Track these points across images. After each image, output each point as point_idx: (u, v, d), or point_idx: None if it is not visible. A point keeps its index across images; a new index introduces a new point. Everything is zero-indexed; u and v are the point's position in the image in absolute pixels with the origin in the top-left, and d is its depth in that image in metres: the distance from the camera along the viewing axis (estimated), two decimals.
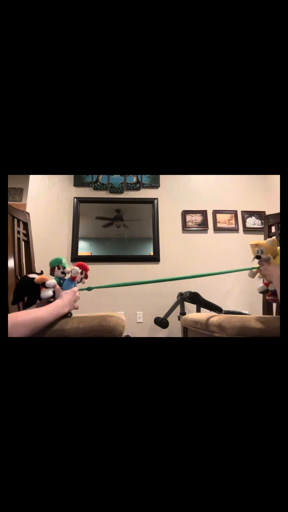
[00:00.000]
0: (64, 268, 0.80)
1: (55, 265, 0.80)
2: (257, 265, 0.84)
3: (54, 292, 0.76)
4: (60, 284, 0.79)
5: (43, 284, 0.77)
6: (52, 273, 0.81)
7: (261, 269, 0.84)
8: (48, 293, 0.74)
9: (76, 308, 0.78)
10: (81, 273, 0.82)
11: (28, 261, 1.15)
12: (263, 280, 0.87)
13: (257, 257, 0.83)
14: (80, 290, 0.83)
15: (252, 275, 0.87)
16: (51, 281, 0.76)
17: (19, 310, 0.83)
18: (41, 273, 0.82)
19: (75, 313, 0.80)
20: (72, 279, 0.79)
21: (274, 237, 0.81)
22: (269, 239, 0.81)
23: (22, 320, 0.59)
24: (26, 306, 0.77)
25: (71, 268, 0.81)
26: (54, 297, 0.76)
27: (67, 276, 0.81)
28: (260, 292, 0.91)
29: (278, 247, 0.82)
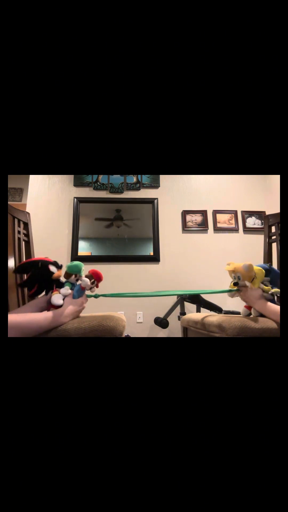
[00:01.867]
0: (80, 276, 0.78)
1: (74, 273, 0.77)
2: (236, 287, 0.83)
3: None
4: (70, 288, 0.77)
5: (56, 282, 0.75)
6: (66, 276, 0.78)
7: (240, 294, 0.83)
8: (59, 301, 0.72)
9: (79, 317, 0.76)
10: (93, 282, 0.80)
11: None
12: (245, 304, 0.86)
13: (235, 283, 0.82)
14: (87, 296, 0.81)
15: (232, 296, 0.86)
16: (67, 290, 0.74)
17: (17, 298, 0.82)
18: (61, 267, 0.79)
19: None
20: (82, 288, 0.77)
21: (250, 263, 0.79)
22: (245, 264, 0.79)
23: (15, 322, 0.57)
24: (33, 295, 0.75)
25: (84, 276, 0.79)
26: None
27: (78, 283, 0.78)
28: (244, 316, 0.90)
29: (256, 267, 0.80)
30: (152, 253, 2.38)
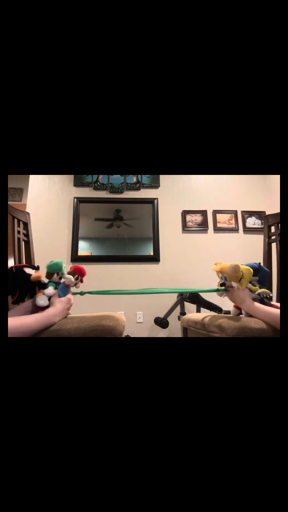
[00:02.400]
0: (62, 274, 0.77)
1: (55, 272, 0.76)
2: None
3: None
4: (54, 288, 0.76)
5: (38, 284, 0.74)
6: (48, 276, 0.77)
7: (228, 294, 0.82)
8: (45, 302, 0.71)
9: (69, 315, 0.76)
10: (77, 278, 0.79)
11: (28, 261, 1.15)
12: (234, 304, 0.85)
13: (222, 284, 0.81)
14: (73, 293, 0.80)
15: (220, 295, 0.85)
16: (50, 290, 0.74)
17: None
18: (37, 268, 0.78)
19: (74, 313, 0.80)
20: (66, 285, 0.76)
21: (237, 264, 0.77)
22: (232, 265, 0.77)
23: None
24: (16, 301, 0.74)
25: (66, 272, 0.78)
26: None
27: (62, 280, 0.78)
28: (235, 316, 0.89)
29: (244, 266, 0.79)
30: (152, 253, 2.38)
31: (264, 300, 0.78)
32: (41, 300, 0.71)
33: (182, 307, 2.03)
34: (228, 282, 0.80)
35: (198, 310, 1.96)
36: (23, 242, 1.11)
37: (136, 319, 2.24)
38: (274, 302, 0.80)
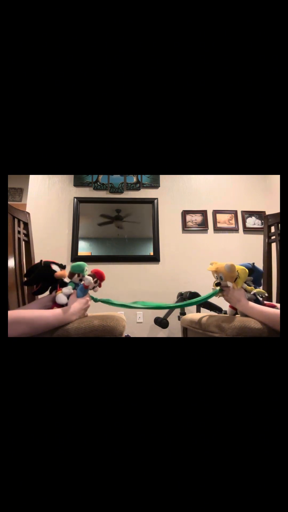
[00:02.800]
0: (83, 276, 0.79)
1: (77, 272, 0.79)
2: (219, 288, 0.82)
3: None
4: (73, 288, 0.78)
5: (60, 282, 0.77)
6: (70, 276, 0.80)
7: (224, 294, 0.82)
8: (63, 300, 0.73)
9: (85, 316, 0.76)
10: (95, 281, 0.81)
11: (29, 261, 1.15)
12: (229, 304, 0.85)
13: (217, 284, 0.81)
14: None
15: (217, 296, 0.85)
16: (69, 289, 0.76)
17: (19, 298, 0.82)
18: (64, 267, 0.81)
19: None
20: (85, 287, 0.78)
21: (232, 263, 0.77)
22: (227, 264, 0.77)
23: (23, 317, 0.58)
24: (36, 293, 0.77)
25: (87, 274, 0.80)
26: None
27: (82, 282, 0.79)
28: (229, 313, 0.88)
29: (240, 266, 0.79)
30: (152, 253, 2.38)
31: (259, 300, 0.79)
32: (61, 298, 0.73)
33: (182, 307, 2.03)
34: (224, 282, 0.80)
35: (198, 310, 1.97)
36: (23, 242, 1.11)
37: (136, 319, 2.24)
38: (268, 302, 0.81)
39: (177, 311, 2.06)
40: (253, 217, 2.51)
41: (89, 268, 0.81)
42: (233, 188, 2.58)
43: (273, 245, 1.17)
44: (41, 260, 0.78)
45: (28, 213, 1.18)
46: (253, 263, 0.84)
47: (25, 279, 0.80)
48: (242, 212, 2.51)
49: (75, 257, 2.28)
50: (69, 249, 2.32)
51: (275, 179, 2.48)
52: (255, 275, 0.83)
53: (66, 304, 0.73)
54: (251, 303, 0.76)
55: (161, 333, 2.23)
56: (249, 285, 0.81)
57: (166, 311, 2.02)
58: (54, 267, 0.78)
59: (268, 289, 1.14)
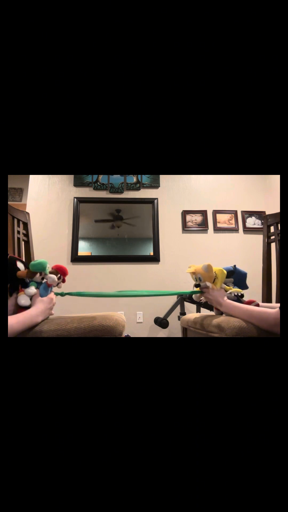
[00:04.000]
0: (45, 274, 0.75)
1: (38, 271, 0.73)
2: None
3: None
4: (36, 287, 0.73)
5: (22, 282, 0.72)
6: (31, 275, 0.73)
7: (205, 295, 0.83)
8: (26, 301, 0.69)
9: (51, 315, 0.74)
10: (59, 278, 0.77)
11: (28, 261, 1.15)
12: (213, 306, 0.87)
13: (196, 285, 0.83)
14: (55, 294, 0.78)
15: (197, 299, 0.86)
16: (32, 289, 0.71)
17: None
18: (26, 265, 0.75)
19: (75, 313, 0.80)
20: (48, 285, 0.74)
21: (209, 263, 0.80)
22: (204, 265, 0.80)
23: None
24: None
25: (48, 272, 0.76)
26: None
27: (44, 281, 0.75)
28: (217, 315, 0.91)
29: (218, 267, 0.81)
30: (152, 253, 2.38)
31: (241, 300, 0.80)
32: (23, 299, 0.69)
33: (182, 307, 2.03)
34: (203, 282, 0.81)
35: (198, 310, 1.97)
36: (23, 242, 1.11)
37: (136, 319, 2.24)
38: (247, 299, 0.82)
39: (177, 311, 2.06)
40: (253, 217, 2.51)
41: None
42: (233, 188, 2.59)
43: (273, 245, 1.17)
44: (9, 256, 0.72)
45: (28, 213, 1.18)
46: (235, 265, 0.87)
47: None
48: (242, 212, 2.51)
49: (75, 257, 2.28)
50: (69, 249, 2.32)
51: (275, 179, 2.48)
52: (237, 277, 0.85)
53: (29, 306, 0.69)
54: (233, 302, 0.77)
55: (161, 333, 2.23)
56: (228, 285, 0.83)
57: (166, 311, 2.02)
58: (19, 265, 0.72)
59: (268, 289, 1.14)
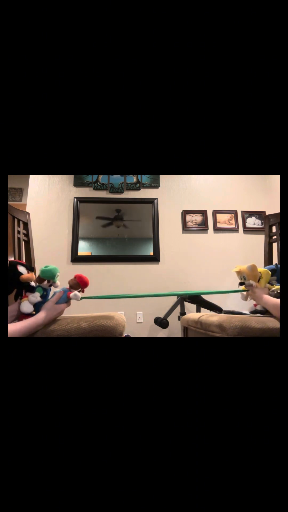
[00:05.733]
0: (54, 282, 0.74)
1: (47, 279, 0.72)
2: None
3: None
4: (43, 296, 0.71)
5: (26, 286, 0.70)
6: (39, 281, 0.72)
7: (249, 293, 0.87)
8: (28, 309, 0.67)
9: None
10: (79, 291, 0.75)
11: (28, 261, 1.15)
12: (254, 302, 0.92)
13: (241, 283, 0.88)
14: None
15: (245, 298, 0.90)
16: (36, 297, 0.69)
17: None
18: (31, 269, 0.74)
19: (75, 313, 0.79)
20: (69, 297, 0.72)
21: (253, 264, 0.84)
22: (249, 265, 0.84)
23: None
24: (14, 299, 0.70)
25: (69, 283, 0.75)
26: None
27: (54, 288, 0.74)
28: (251, 313, 0.95)
29: (262, 269, 0.85)
30: (152, 253, 2.38)
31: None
32: (25, 306, 0.67)
33: (182, 307, 2.03)
34: (247, 281, 0.85)
35: (198, 310, 1.96)
36: (23, 242, 1.11)
37: (136, 319, 2.24)
38: None
39: (177, 311, 2.06)
40: (253, 217, 2.51)
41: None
42: (233, 188, 2.58)
43: (274, 245, 1.17)
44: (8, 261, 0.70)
45: (28, 213, 1.18)
46: (276, 264, 0.92)
47: None
48: (242, 212, 2.51)
49: (75, 257, 2.28)
50: (69, 249, 2.32)
51: (275, 179, 2.48)
52: (278, 274, 0.88)
53: (32, 314, 0.67)
54: (268, 297, 0.80)
55: (161, 333, 2.23)
56: (273, 284, 0.86)
57: (166, 311, 2.02)
58: (21, 268, 0.70)
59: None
